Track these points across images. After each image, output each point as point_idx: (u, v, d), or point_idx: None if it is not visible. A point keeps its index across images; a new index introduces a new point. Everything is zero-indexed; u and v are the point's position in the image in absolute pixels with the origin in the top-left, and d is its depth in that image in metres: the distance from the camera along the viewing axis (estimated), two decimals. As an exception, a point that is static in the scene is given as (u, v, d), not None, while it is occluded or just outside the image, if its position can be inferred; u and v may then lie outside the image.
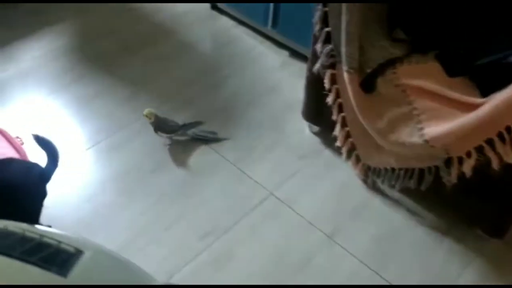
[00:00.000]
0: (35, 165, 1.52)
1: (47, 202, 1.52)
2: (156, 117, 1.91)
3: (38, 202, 1.50)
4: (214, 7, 2.65)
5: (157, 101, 2.14)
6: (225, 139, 2.00)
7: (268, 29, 2.40)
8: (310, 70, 1.79)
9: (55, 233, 0.85)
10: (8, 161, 1.54)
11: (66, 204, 1.75)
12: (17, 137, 1.95)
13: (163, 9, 2.66)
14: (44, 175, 1.49)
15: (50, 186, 1.76)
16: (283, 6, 2.22)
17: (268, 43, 2.47)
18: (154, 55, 2.38)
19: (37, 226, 0.85)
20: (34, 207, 1.50)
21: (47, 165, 1.50)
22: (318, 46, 1.64)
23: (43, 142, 1.51)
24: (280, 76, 2.30)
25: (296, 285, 1.57)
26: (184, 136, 2.00)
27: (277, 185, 1.85)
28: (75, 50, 2.38)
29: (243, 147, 1.97)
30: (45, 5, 2.60)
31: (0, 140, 1.94)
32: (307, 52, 2.28)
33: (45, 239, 0.79)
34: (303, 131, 2.06)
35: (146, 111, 1.91)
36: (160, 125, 1.93)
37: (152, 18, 2.60)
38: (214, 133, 2.01)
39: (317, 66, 1.67)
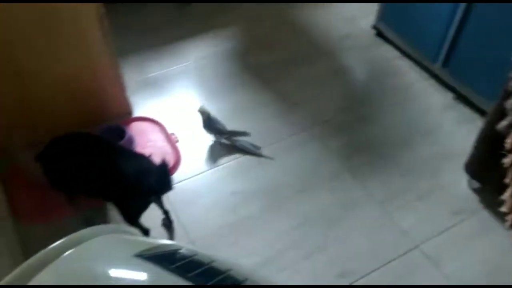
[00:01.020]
0: (154, 174, 1.50)
1: (193, 205, 1.56)
2: (209, 115, 1.96)
3: (133, 205, 1.51)
4: (379, 34, 2.56)
5: (309, 121, 2.11)
6: (268, 157, 1.95)
7: (436, 67, 2.25)
8: (489, 124, 1.62)
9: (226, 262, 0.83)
10: (138, 156, 1.57)
11: (210, 210, 1.79)
12: (173, 134, 2.05)
13: (325, 29, 2.63)
14: (153, 188, 1.48)
15: (201, 188, 1.81)
16: (461, 46, 2.06)
17: (432, 81, 2.32)
18: (310, 74, 2.35)
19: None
20: (130, 207, 1.52)
21: (164, 184, 1.51)
22: (509, 103, 1.48)
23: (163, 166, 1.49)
24: (440, 120, 2.14)
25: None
26: (228, 141, 2.00)
27: (425, 238, 1.71)
28: (237, 57, 2.44)
29: (393, 189, 1.86)
30: (214, 10, 2.71)
31: (159, 133, 2.06)
32: (476, 99, 2.12)
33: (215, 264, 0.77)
34: (460, 184, 1.89)
35: (201, 107, 1.95)
36: (210, 124, 1.97)
37: (313, 36, 2.58)
38: (257, 147, 1.98)
39: (503, 123, 1.51)
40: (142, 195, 1.47)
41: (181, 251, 0.61)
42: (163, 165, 1.47)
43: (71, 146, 1.56)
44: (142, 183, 1.44)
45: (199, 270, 0.56)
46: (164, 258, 0.58)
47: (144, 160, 1.53)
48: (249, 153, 1.98)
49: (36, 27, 1.64)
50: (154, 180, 1.46)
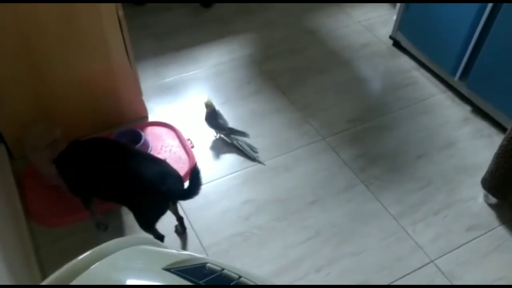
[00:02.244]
0: (173, 178, 1.49)
1: (208, 209, 1.55)
2: (213, 109, 2.00)
3: (151, 210, 1.49)
4: (396, 44, 2.55)
5: (323, 130, 2.10)
6: (261, 163, 1.96)
7: (454, 79, 2.23)
8: (509, 140, 1.60)
9: (254, 277, 0.82)
10: (156, 160, 1.55)
11: (223, 218, 1.78)
12: (189, 140, 2.04)
13: (342, 37, 2.62)
14: (171, 192, 1.46)
15: (214, 195, 1.80)
16: (480, 59, 2.04)
17: (449, 93, 2.30)
18: (326, 83, 2.34)
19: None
20: (148, 212, 1.50)
21: (184, 189, 1.48)
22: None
23: (194, 171, 1.45)
24: (458, 133, 2.12)
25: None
26: (227, 138, 2.05)
27: (439, 253, 1.69)
28: (253, 64, 2.44)
29: (408, 202, 1.85)
30: (232, 16, 2.72)
31: (174, 138, 2.06)
32: (493, 113, 2.10)
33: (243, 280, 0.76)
34: (477, 199, 1.87)
35: (207, 100, 1.99)
36: (212, 118, 2.01)
37: (330, 45, 2.57)
38: (255, 150, 2.00)
39: (524, 140, 1.49)
40: (160, 199, 1.46)
41: (208, 265, 0.61)
42: (194, 169, 1.43)
43: (88, 150, 1.56)
44: (160, 188, 1.43)
45: (229, 285, 0.56)
46: (193, 272, 0.58)
47: (162, 164, 1.52)
48: (244, 154, 2.00)
49: (55, 28, 1.65)
50: (172, 184, 1.45)
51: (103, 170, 1.49)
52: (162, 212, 1.48)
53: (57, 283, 0.55)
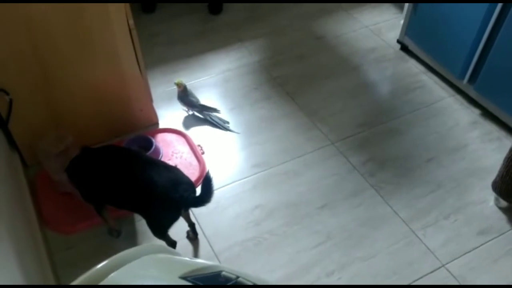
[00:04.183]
0: (185, 186, 1.49)
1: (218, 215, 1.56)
2: (185, 88, 2.12)
3: (164, 217, 1.50)
4: (404, 48, 2.55)
5: (332, 135, 2.11)
6: (235, 132, 2.11)
7: (462, 83, 2.23)
8: (519, 143, 1.60)
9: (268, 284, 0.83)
10: (168, 167, 1.56)
11: (234, 223, 1.79)
12: (199, 145, 2.06)
13: (350, 42, 2.63)
14: (183, 200, 1.46)
15: (225, 200, 1.81)
16: (488, 62, 2.04)
17: (458, 97, 2.30)
18: (334, 87, 2.35)
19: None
20: (160, 219, 1.52)
21: (196, 196, 1.48)
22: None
23: (207, 180, 1.46)
24: (467, 136, 2.12)
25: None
26: (200, 114, 2.18)
27: (450, 257, 1.69)
28: (262, 70, 2.45)
29: (418, 206, 1.85)
30: (241, 23, 2.74)
31: (185, 144, 2.07)
32: (503, 116, 2.10)
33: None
34: (487, 203, 1.86)
35: (178, 80, 2.11)
36: (184, 96, 2.14)
37: (338, 50, 2.58)
38: (226, 122, 2.15)
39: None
40: (172, 207, 1.47)
41: (223, 273, 0.62)
42: (206, 177, 1.44)
43: (99, 158, 1.58)
44: (172, 195, 1.45)
45: None
46: (209, 281, 0.59)
47: (174, 170, 1.54)
48: (217, 127, 2.14)
49: (66, 37, 1.68)
50: (184, 191, 1.46)
51: (115, 177, 1.51)
52: (174, 219, 1.50)
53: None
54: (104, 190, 1.54)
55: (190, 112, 2.21)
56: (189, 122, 2.17)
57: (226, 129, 2.12)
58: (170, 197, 1.44)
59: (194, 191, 1.51)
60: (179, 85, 2.13)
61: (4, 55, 1.63)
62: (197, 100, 2.18)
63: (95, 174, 1.55)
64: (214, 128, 2.14)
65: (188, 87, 2.16)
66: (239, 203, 1.85)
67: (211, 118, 2.16)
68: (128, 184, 1.49)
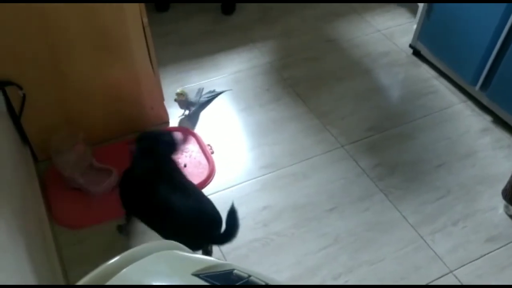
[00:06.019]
0: (211, 222, 1.48)
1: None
2: (187, 97, 2.12)
3: (193, 241, 1.47)
4: (416, 53, 2.54)
5: (342, 138, 2.10)
6: (228, 90, 2.28)
7: (475, 89, 2.22)
8: (531, 151, 1.59)
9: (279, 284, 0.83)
10: (199, 196, 1.55)
11: (242, 223, 1.78)
12: (208, 145, 2.06)
13: (361, 46, 2.62)
14: (208, 240, 1.48)
15: (234, 200, 1.81)
16: (501, 69, 2.03)
17: (469, 103, 2.29)
18: (345, 91, 2.35)
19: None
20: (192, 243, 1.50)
21: (221, 234, 1.48)
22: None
23: (231, 213, 1.47)
24: (478, 143, 2.11)
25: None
26: (200, 108, 2.24)
27: (458, 264, 1.68)
28: (273, 71, 2.45)
29: (427, 212, 1.84)
30: (253, 24, 2.74)
31: (194, 144, 2.08)
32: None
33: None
34: (496, 210, 1.85)
35: (180, 90, 2.10)
36: (187, 104, 2.15)
37: (350, 53, 2.58)
38: (213, 91, 2.27)
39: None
40: (195, 245, 1.43)
41: (235, 271, 0.62)
42: (231, 210, 1.45)
43: (140, 175, 1.54)
44: (197, 235, 1.44)
45: None
46: (221, 278, 0.59)
47: (203, 200, 1.51)
48: (213, 99, 2.26)
49: (80, 34, 1.69)
50: (208, 226, 1.45)
51: (147, 201, 1.49)
52: (195, 250, 1.49)
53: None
54: (136, 207, 1.56)
55: (189, 113, 2.21)
56: (199, 121, 2.18)
57: (222, 91, 2.26)
58: (195, 236, 1.44)
59: (220, 227, 1.47)
60: (180, 95, 2.09)
61: (19, 50, 1.65)
62: (197, 100, 2.20)
63: (132, 190, 1.55)
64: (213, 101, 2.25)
65: (198, 87, 2.18)
66: (247, 203, 1.86)
67: (203, 100, 2.23)
68: (157, 210, 1.48)
